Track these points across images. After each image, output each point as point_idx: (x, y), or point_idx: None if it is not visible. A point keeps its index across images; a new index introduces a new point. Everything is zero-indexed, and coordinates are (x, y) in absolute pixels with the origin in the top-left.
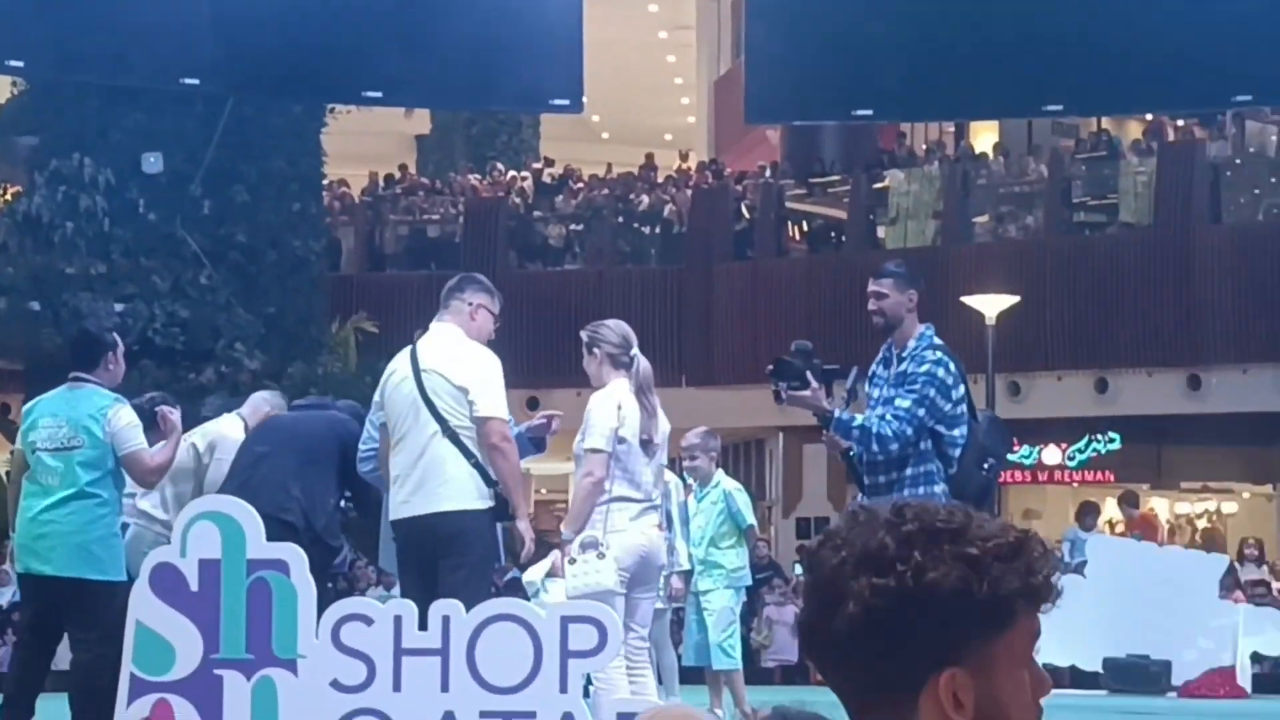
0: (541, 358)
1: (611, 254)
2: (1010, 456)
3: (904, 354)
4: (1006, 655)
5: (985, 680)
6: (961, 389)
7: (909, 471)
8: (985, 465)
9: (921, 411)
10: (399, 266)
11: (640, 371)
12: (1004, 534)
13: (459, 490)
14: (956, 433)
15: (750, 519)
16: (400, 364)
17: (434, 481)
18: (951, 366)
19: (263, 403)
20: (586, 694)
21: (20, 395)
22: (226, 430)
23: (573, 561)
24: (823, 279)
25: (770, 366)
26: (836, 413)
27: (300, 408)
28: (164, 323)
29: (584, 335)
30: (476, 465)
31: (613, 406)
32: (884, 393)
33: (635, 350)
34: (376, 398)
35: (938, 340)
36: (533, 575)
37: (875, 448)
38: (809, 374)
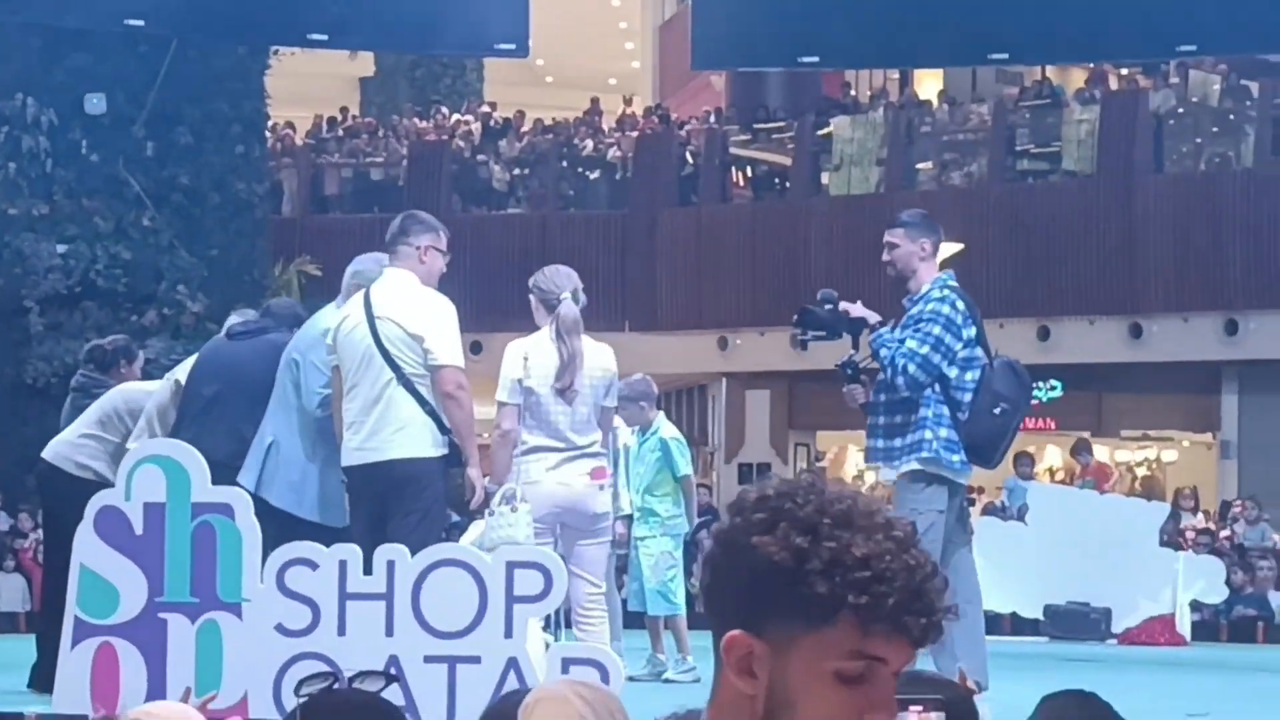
0: (485, 302)
1: (555, 198)
2: None
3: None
4: (811, 652)
5: (782, 664)
6: (973, 330)
7: (906, 416)
8: (997, 409)
9: (926, 350)
10: (342, 209)
11: (561, 316)
12: (868, 541)
13: (413, 438)
14: (968, 377)
15: (685, 470)
16: (354, 310)
17: (388, 429)
18: (960, 305)
19: None
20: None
21: None
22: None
23: (491, 514)
24: (767, 225)
25: (795, 316)
26: (856, 355)
27: (238, 335)
28: (106, 264)
29: (530, 282)
30: (430, 413)
31: (518, 357)
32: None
33: (566, 295)
34: (329, 341)
35: (951, 283)
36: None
37: (897, 379)
38: (839, 323)
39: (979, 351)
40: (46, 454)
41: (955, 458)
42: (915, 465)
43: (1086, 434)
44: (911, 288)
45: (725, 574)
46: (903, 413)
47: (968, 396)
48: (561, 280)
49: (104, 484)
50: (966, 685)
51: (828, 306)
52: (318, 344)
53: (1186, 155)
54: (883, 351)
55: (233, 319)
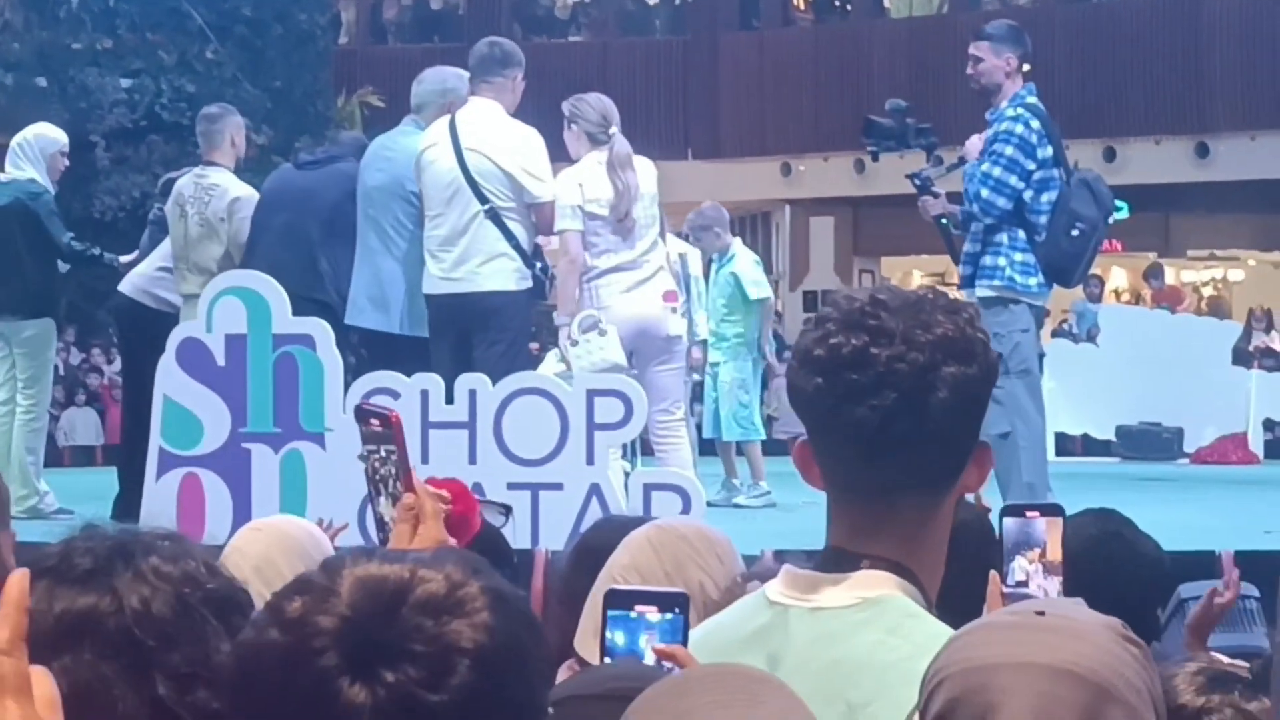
0: (545, 131)
1: (616, 26)
2: None
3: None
4: None
5: None
6: (1049, 150)
7: (983, 240)
8: (1074, 230)
9: (998, 171)
10: (402, 39)
11: (615, 150)
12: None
13: (499, 270)
14: (1044, 199)
15: (759, 294)
16: (438, 137)
17: (475, 260)
18: (1034, 124)
19: None
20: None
21: None
22: (238, 189)
23: (575, 344)
24: (829, 49)
25: (862, 127)
26: (928, 169)
27: (308, 165)
28: (170, 98)
29: (565, 108)
30: (516, 246)
31: (574, 184)
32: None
33: (615, 129)
34: (411, 168)
35: (1031, 99)
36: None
37: (972, 207)
38: (907, 133)
39: (1056, 171)
40: (123, 287)
41: (1032, 281)
42: (988, 291)
43: (1153, 255)
44: (995, 102)
45: (982, 403)
46: (982, 238)
47: (1043, 218)
48: (608, 112)
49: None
50: (981, 505)
51: (898, 117)
52: None
53: None
54: (967, 185)
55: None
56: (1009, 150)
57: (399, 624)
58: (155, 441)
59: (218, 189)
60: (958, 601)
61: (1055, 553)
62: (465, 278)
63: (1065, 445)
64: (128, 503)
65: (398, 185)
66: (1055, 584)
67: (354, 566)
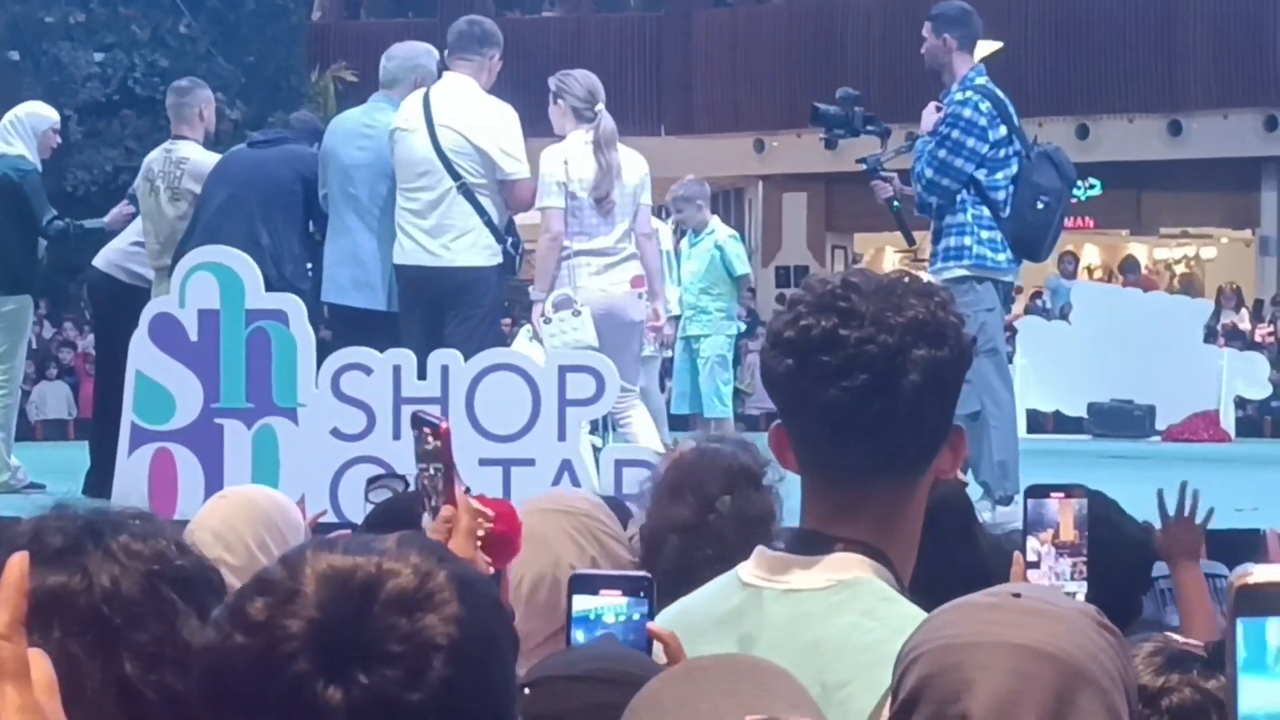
0: (520, 107)
1: (590, 1)
2: None
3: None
4: None
5: None
6: (1002, 129)
7: (947, 221)
8: (1038, 204)
9: (942, 153)
10: (376, 14)
11: (602, 127)
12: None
13: (472, 246)
14: (1000, 176)
15: (743, 269)
16: (411, 113)
17: (447, 235)
18: (983, 106)
19: None
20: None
21: None
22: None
23: (548, 321)
24: (802, 25)
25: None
26: (881, 153)
27: (258, 144)
28: (144, 72)
29: (551, 83)
30: (488, 222)
31: (559, 161)
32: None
33: (600, 106)
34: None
35: (979, 80)
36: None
37: (917, 186)
38: (853, 120)
39: (1013, 148)
40: (98, 262)
41: (1001, 256)
42: (958, 271)
43: (1125, 232)
44: (945, 82)
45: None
46: (947, 219)
47: (1003, 194)
48: (596, 88)
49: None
50: (958, 478)
51: (834, 108)
52: None
53: None
54: (914, 163)
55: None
56: (955, 134)
57: (370, 624)
58: (127, 416)
59: (188, 162)
60: (940, 574)
61: (1068, 533)
62: (437, 253)
63: (1037, 422)
64: (99, 478)
65: (383, 162)
66: (1067, 564)
67: (316, 561)
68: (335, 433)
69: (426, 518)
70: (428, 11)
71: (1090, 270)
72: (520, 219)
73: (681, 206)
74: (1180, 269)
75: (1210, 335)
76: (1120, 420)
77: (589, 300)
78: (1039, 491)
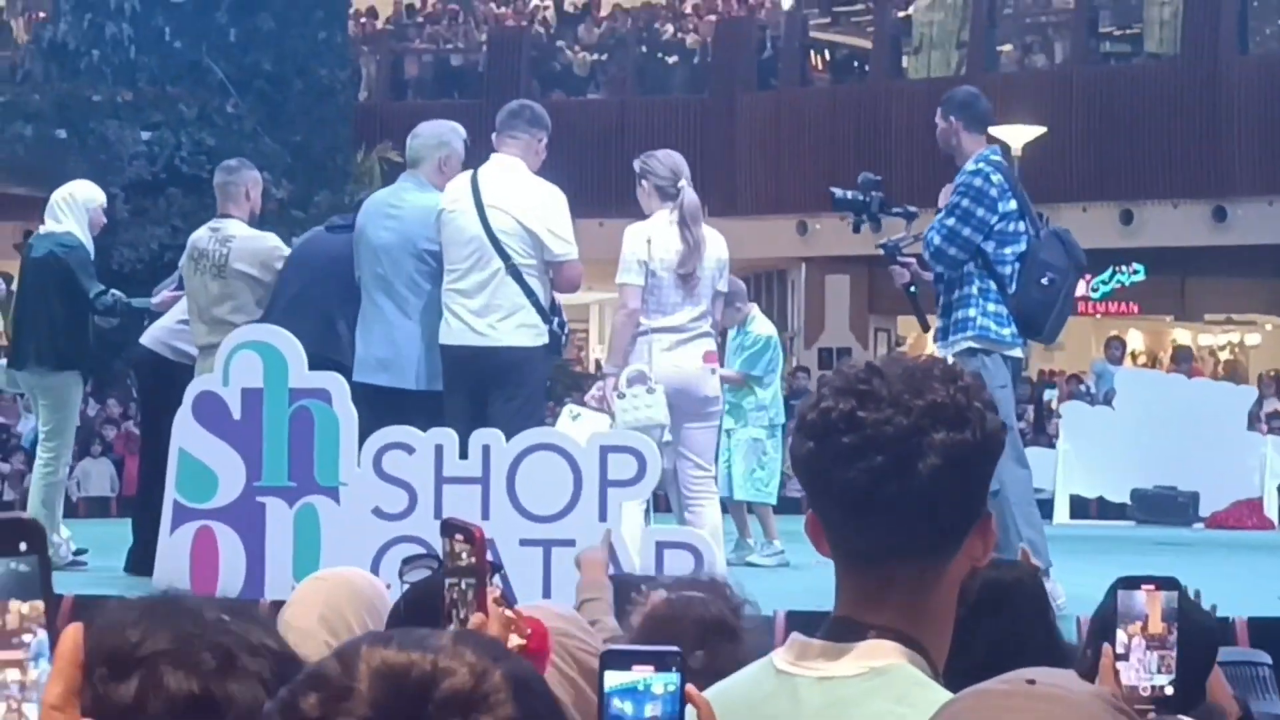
0: (565, 187)
1: (634, 83)
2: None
3: None
4: None
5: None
6: (1012, 203)
7: (955, 294)
8: (1044, 280)
9: (951, 221)
10: (422, 95)
11: (685, 204)
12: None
13: (519, 326)
14: (1008, 251)
15: (767, 370)
16: (459, 194)
17: (494, 315)
18: (994, 178)
19: None
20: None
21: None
22: (253, 237)
23: (621, 396)
24: (846, 109)
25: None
26: (903, 236)
27: (338, 228)
28: (190, 151)
29: (635, 165)
30: (536, 303)
31: (641, 240)
32: None
33: (684, 182)
34: (433, 220)
35: (993, 157)
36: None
37: (926, 254)
38: (870, 205)
39: (1021, 225)
40: (144, 339)
41: (1006, 331)
42: (964, 344)
43: (1169, 318)
44: (959, 165)
45: (976, 471)
46: (954, 292)
47: (1010, 269)
48: (677, 166)
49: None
50: (1030, 563)
51: (851, 193)
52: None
53: (1271, 36)
54: (925, 235)
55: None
56: (964, 202)
57: None
58: (170, 494)
59: (234, 240)
60: (1010, 662)
61: (1157, 625)
62: (484, 332)
63: (1081, 508)
64: (141, 555)
65: (409, 243)
66: (1155, 657)
67: (370, 656)
68: (377, 512)
69: (450, 628)
70: (473, 93)
71: (1134, 356)
72: (576, 298)
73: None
74: (1224, 355)
75: (1254, 422)
76: (1164, 507)
77: (662, 376)
78: (1130, 583)
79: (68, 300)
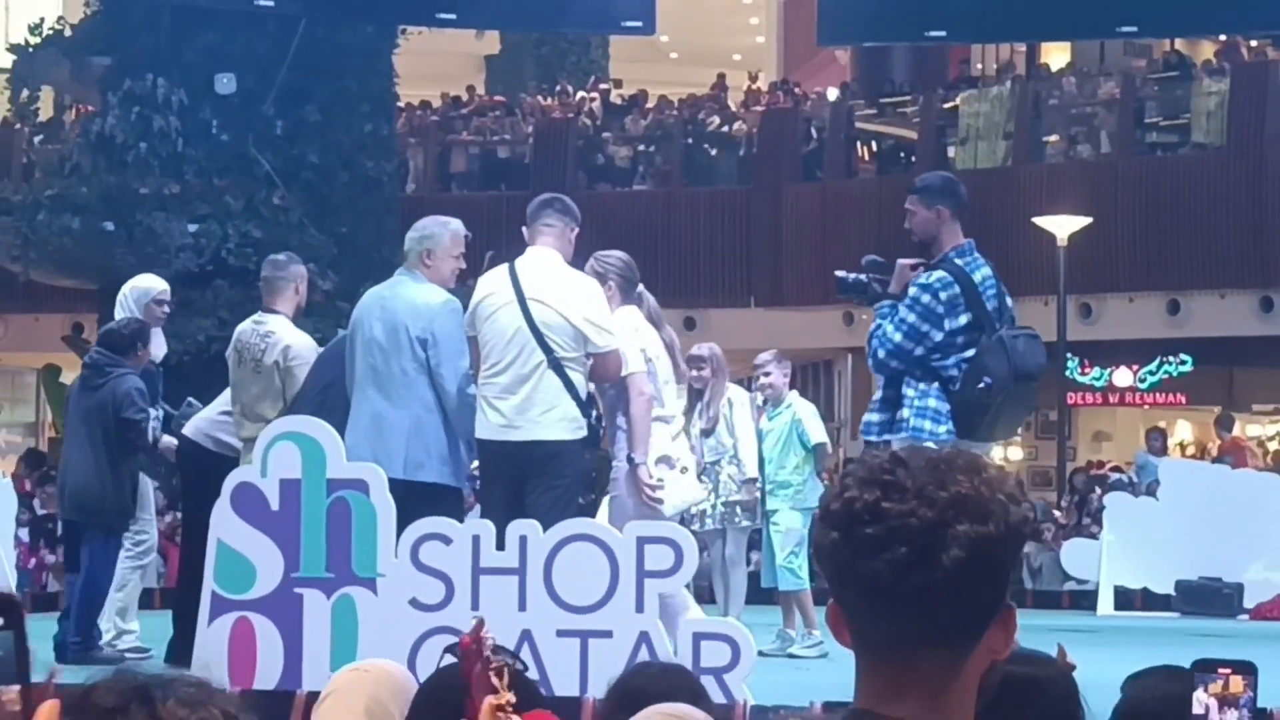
0: None
1: (680, 175)
2: (1080, 379)
3: None
4: None
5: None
6: (963, 318)
7: (891, 391)
8: (980, 384)
9: (898, 337)
10: (469, 187)
11: (651, 305)
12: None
13: (559, 420)
14: (951, 361)
15: (818, 437)
16: (498, 286)
17: (535, 409)
18: (944, 294)
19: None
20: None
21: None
22: (293, 338)
23: (660, 483)
24: (892, 200)
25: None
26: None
27: None
28: (237, 243)
29: (593, 264)
30: (575, 396)
31: (630, 329)
32: None
33: (640, 285)
34: (466, 317)
35: (959, 260)
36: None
37: (869, 361)
38: (870, 285)
39: (975, 335)
40: (187, 430)
41: (942, 429)
42: (895, 447)
43: (1217, 408)
44: (933, 254)
45: (1001, 565)
46: (890, 388)
47: (955, 372)
48: (634, 265)
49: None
50: (1065, 661)
51: (854, 276)
52: (441, 316)
53: None
54: (874, 324)
55: None
56: (911, 318)
57: None
58: (208, 585)
59: (273, 336)
60: None
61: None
62: (524, 426)
63: (1125, 599)
64: (183, 647)
65: (400, 330)
66: None
67: None
68: (414, 603)
69: None
70: (520, 185)
71: (1183, 446)
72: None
73: (770, 370)
74: (1274, 445)
75: None
76: (1208, 598)
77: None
78: (1207, 666)
79: (116, 449)
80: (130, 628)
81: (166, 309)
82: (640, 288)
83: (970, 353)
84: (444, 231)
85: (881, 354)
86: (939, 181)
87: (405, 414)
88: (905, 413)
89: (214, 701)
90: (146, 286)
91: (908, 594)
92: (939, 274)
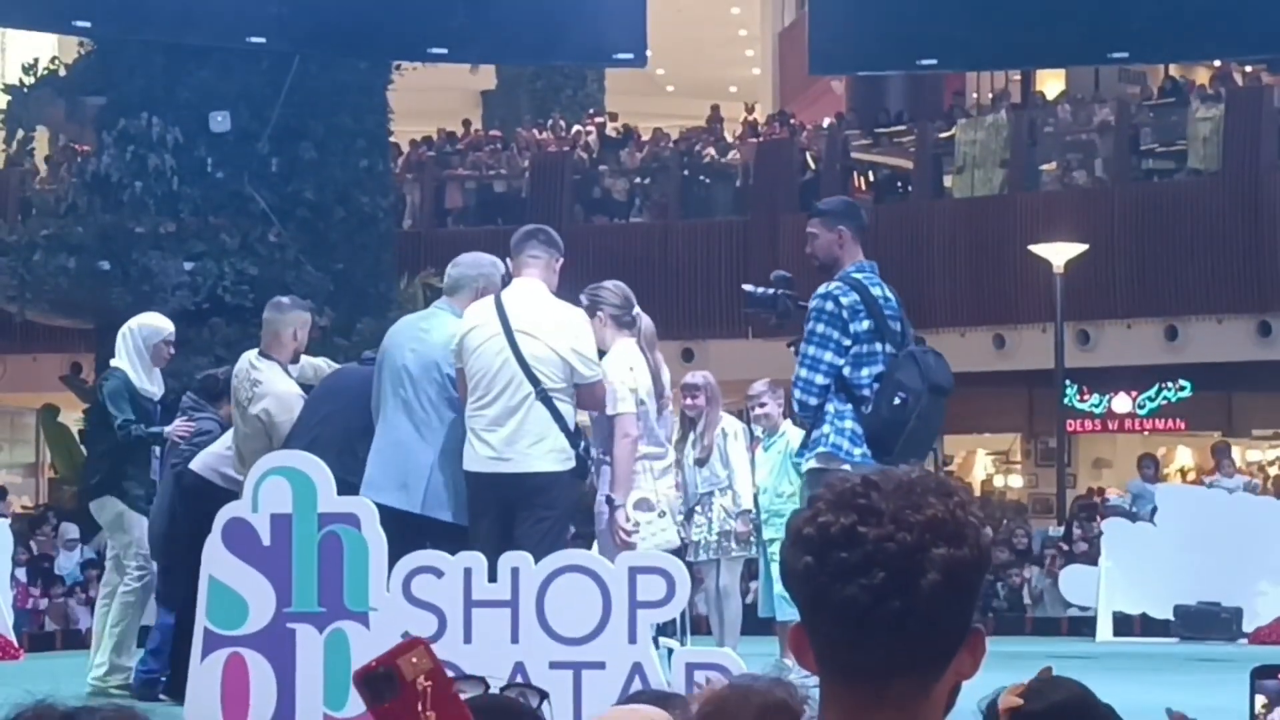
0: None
1: (677, 207)
2: (1079, 406)
3: None
4: None
5: None
6: (865, 323)
7: (824, 419)
8: (895, 400)
9: (811, 349)
10: (465, 222)
11: (644, 331)
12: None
13: (548, 452)
14: (865, 373)
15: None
16: (485, 319)
17: (524, 441)
18: (844, 300)
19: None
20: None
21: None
22: (279, 388)
23: (636, 526)
24: (889, 229)
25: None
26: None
27: (369, 360)
28: (233, 280)
29: (583, 298)
30: (564, 427)
31: (625, 369)
32: None
33: (636, 309)
34: (453, 347)
35: (858, 274)
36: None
37: (795, 389)
38: (778, 303)
39: (878, 345)
40: (195, 465)
41: (858, 450)
42: (814, 462)
43: (1217, 433)
44: (833, 277)
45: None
46: (808, 411)
47: (867, 391)
48: (628, 294)
49: None
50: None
51: (764, 289)
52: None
53: None
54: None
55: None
56: (819, 328)
57: None
58: (201, 621)
59: (260, 388)
60: None
61: None
62: (513, 458)
63: (1124, 625)
64: (180, 682)
65: (433, 367)
66: None
67: None
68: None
69: None
70: (516, 219)
71: (1183, 473)
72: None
73: (765, 400)
74: (1274, 470)
75: None
76: (1207, 622)
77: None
78: (1268, 673)
79: (101, 430)
80: (127, 664)
81: (172, 350)
82: (635, 310)
83: (879, 366)
84: (497, 276)
85: (805, 372)
86: (840, 205)
87: (431, 450)
88: (826, 429)
89: None
90: (157, 326)
91: (883, 618)
92: (834, 284)
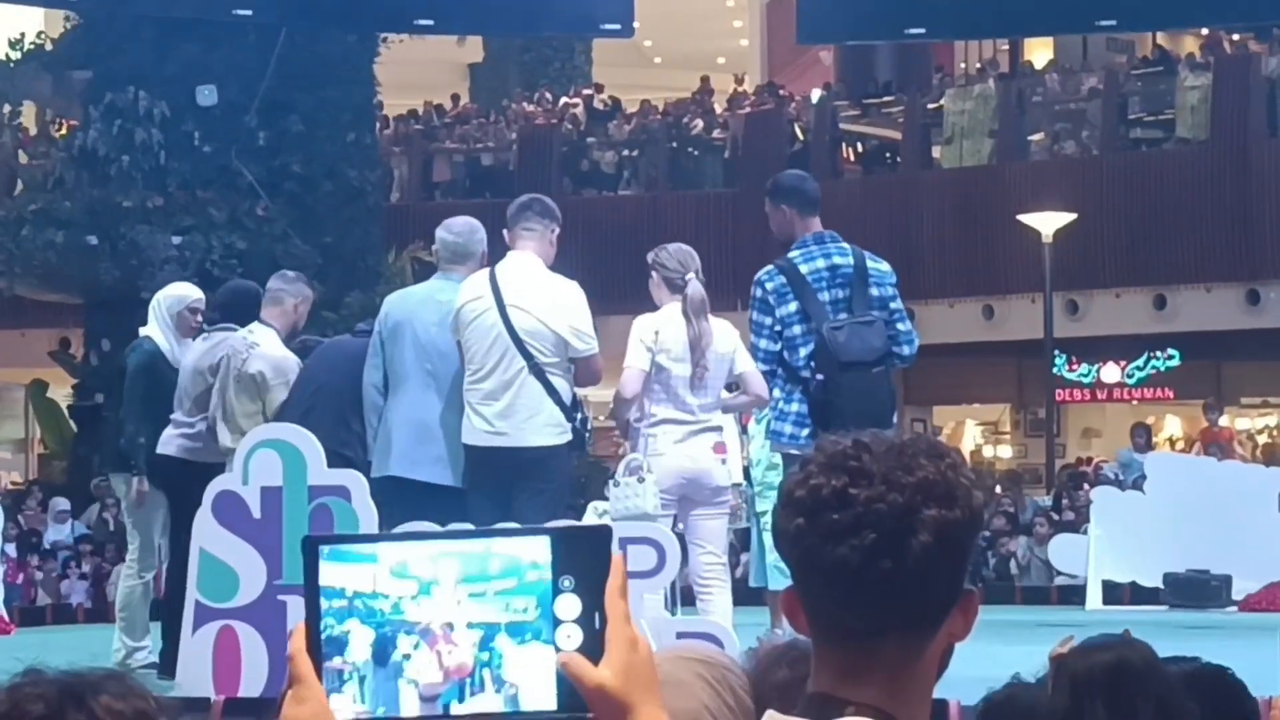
0: (596, 284)
1: (665, 179)
2: (1068, 375)
3: None
4: None
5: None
6: (793, 305)
7: (771, 406)
8: (815, 380)
9: (753, 337)
10: (453, 195)
11: (690, 296)
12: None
13: (543, 426)
14: (801, 354)
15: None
16: (480, 292)
17: (519, 415)
18: (770, 284)
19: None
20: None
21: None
22: (274, 353)
23: (616, 484)
24: (878, 200)
25: None
26: None
27: (362, 333)
28: (221, 254)
29: (648, 258)
30: (559, 401)
31: (650, 330)
32: None
33: (691, 274)
34: (451, 319)
35: (796, 251)
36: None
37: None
38: None
39: (800, 328)
40: (161, 447)
41: (804, 432)
42: (775, 455)
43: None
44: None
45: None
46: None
47: (805, 372)
48: (685, 259)
49: None
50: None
51: None
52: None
53: None
54: None
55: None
56: (754, 315)
57: None
58: (192, 594)
59: (256, 349)
60: None
61: None
62: (509, 432)
63: (1113, 593)
64: (172, 657)
65: (454, 341)
66: None
67: None
68: None
69: None
70: (504, 192)
71: (1172, 441)
72: (596, 395)
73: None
74: (1262, 439)
75: None
76: (1196, 590)
77: (674, 467)
78: None
79: (118, 404)
80: (141, 644)
81: (200, 318)
82: (689, 276)
83: (810, 346)
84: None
85: (758, 360)
86: (786, 180)
87: (457, 420)
88: (768, 414)
89: (137, 691)
90: (179, 294)
91: (875, 580)
92: (765, 270)
